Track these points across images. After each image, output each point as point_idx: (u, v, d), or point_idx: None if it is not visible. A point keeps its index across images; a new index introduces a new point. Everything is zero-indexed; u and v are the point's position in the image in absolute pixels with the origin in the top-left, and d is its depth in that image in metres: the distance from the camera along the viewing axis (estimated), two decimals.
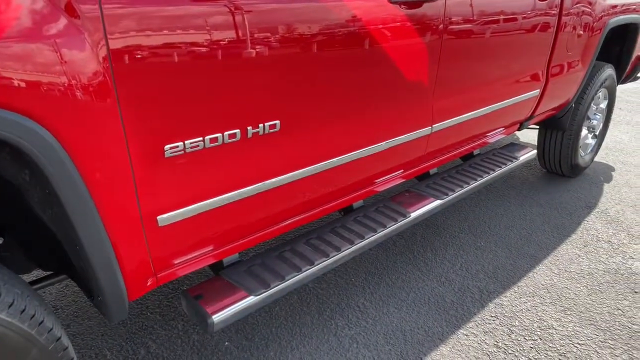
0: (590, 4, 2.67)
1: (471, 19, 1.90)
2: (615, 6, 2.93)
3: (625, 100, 6.01)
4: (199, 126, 1.19)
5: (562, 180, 3.53)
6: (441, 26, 1.76)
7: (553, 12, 2.39)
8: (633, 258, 2.56)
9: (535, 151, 2.75)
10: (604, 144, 4.20)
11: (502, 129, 2.59)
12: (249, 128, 1.30)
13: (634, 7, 3.20)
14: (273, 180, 1.44)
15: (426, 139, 1.99)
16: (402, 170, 2.03)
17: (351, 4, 1.43)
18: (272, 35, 1.26)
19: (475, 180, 2.32)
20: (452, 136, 2.18)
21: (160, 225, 1.21)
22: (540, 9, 2.29)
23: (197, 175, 1.24)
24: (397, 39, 1.62)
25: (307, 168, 1.53)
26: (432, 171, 2.34)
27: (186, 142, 1.18)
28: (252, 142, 1.33)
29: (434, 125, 1.98)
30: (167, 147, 1.15)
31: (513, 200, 3.20)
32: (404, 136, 1.86)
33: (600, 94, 3.39)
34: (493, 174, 2.43)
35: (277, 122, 1.37)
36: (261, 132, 1.34)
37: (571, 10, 2.52)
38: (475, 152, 2.61)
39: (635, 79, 4.00)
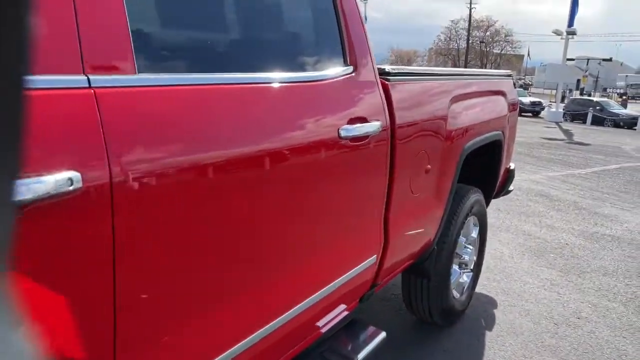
0: (434, 131, 2.04)
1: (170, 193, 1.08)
2: (470, 127, 2.36)
3: (503, 198, 5.68)
4: None
5: (436, 330, 2.79)
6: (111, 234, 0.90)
7: (379, 152, 1.68)
8: None
9: (383, 334, 1.92)
10: (484, 262, 3.61)
11: (333, 312, 1.76)
12: None
13: (493, 121, 2.70)
14: None
15: None
16: None
17: None
18: None
19: None
20: None
21: None
22: (358, 154, 1.56)
23: None
24: None
25: None
26: None
27: None
28: None
29: None
30: None
31: None
32: None
33: (469, 222, 2.78)
34: None
35: None
36: None
37: (407, 145, 1.85)
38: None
39: (508, 192, 3.53)
